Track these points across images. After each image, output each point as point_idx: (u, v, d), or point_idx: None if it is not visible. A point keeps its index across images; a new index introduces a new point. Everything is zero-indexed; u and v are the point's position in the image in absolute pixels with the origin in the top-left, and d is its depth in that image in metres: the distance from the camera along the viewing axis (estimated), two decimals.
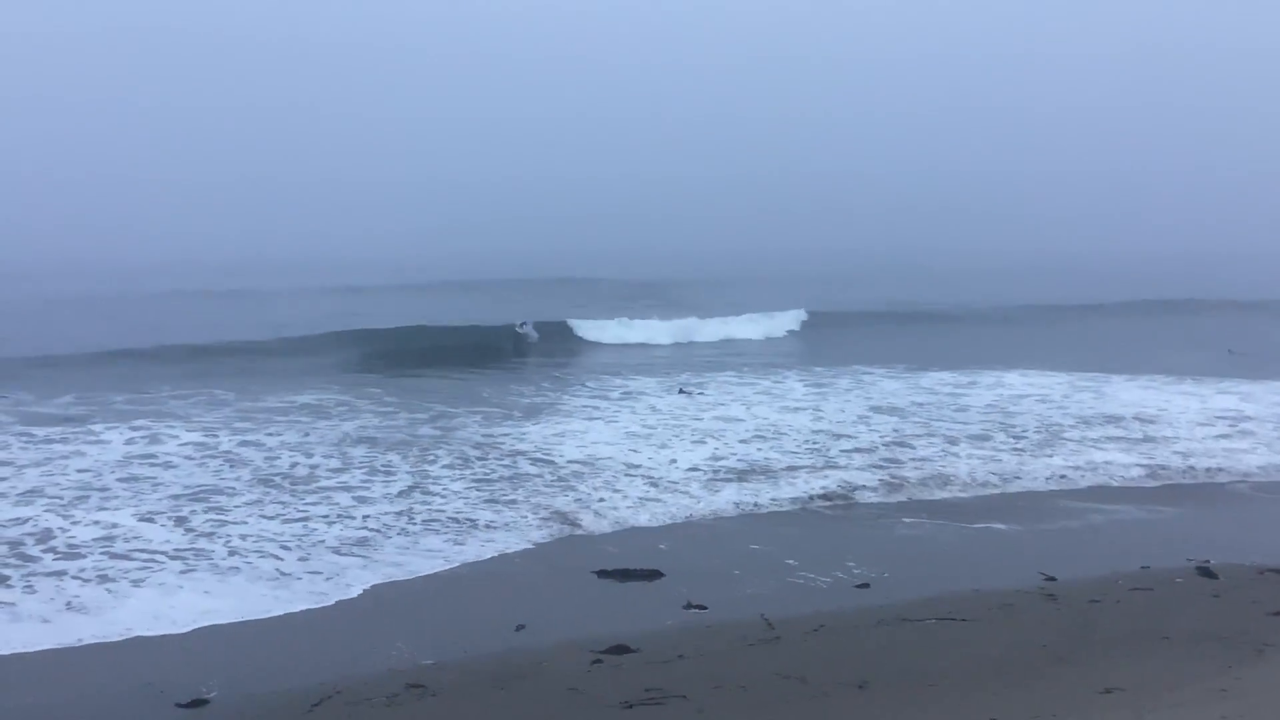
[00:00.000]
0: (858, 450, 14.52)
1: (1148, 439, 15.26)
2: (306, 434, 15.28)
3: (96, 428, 15.27)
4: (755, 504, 12.01)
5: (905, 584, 9.03)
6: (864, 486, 12.71)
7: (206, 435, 14.91)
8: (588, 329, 30.91)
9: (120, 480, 12.42)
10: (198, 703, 6.67)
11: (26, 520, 10.64)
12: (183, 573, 9.26)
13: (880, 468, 13.54)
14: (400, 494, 12.02)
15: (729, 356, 26.85)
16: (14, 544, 9.90)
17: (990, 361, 23.59)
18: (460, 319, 31.30)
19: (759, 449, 14.58)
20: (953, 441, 15.05)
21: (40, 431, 14.96)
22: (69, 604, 8.48)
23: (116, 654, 7.66)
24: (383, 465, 13.36)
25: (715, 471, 13.29)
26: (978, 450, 14.55)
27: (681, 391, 20.04)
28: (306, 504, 11.53)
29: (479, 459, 13.73)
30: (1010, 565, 9.62)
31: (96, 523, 10.62)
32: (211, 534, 10.36)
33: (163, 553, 9.76)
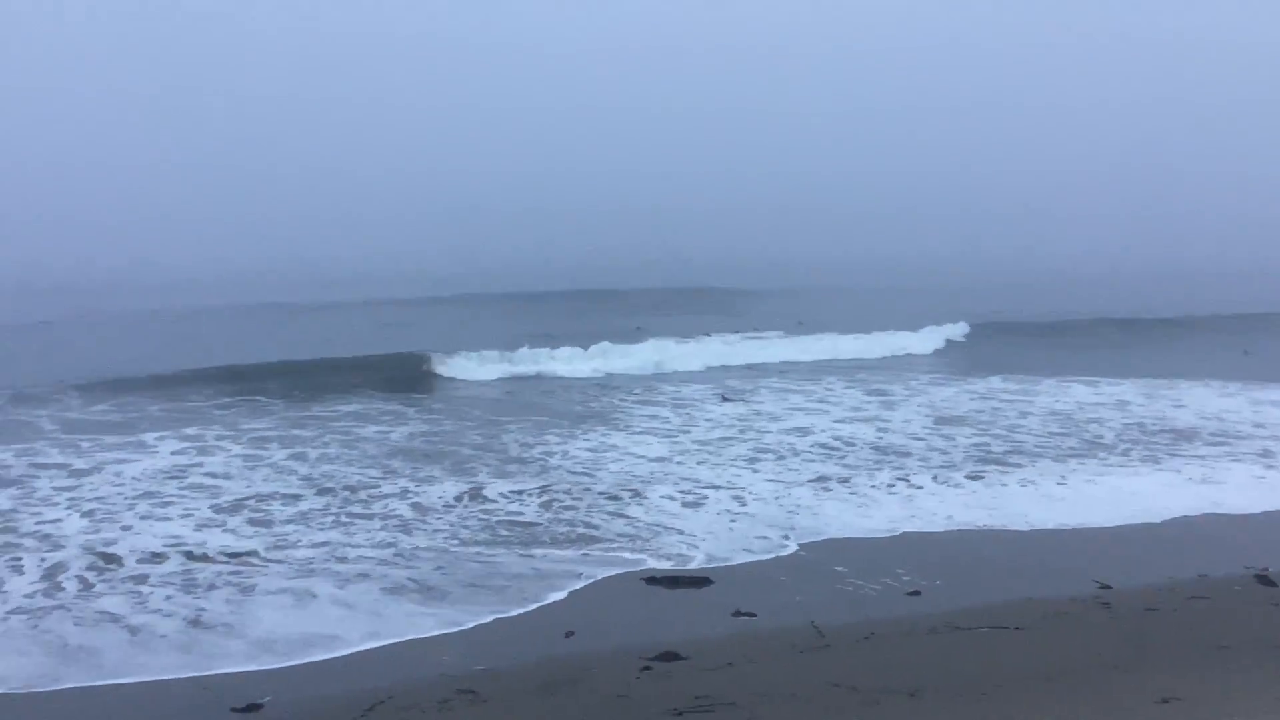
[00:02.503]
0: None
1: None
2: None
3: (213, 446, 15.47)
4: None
5: (957, 591, 8.96)
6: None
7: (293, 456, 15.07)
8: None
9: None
10: (252, 707, 6.75)
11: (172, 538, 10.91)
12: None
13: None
14: (458, 499, 12.16)
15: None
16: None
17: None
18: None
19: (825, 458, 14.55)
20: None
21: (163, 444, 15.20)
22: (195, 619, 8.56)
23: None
24: (447, 474, 13.48)
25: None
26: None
27: (724, 399, 20.14)
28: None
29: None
30: (1064, 573, 9.50)
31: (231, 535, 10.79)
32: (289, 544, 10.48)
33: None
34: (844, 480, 13.25)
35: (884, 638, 7.61)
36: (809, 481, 13.22)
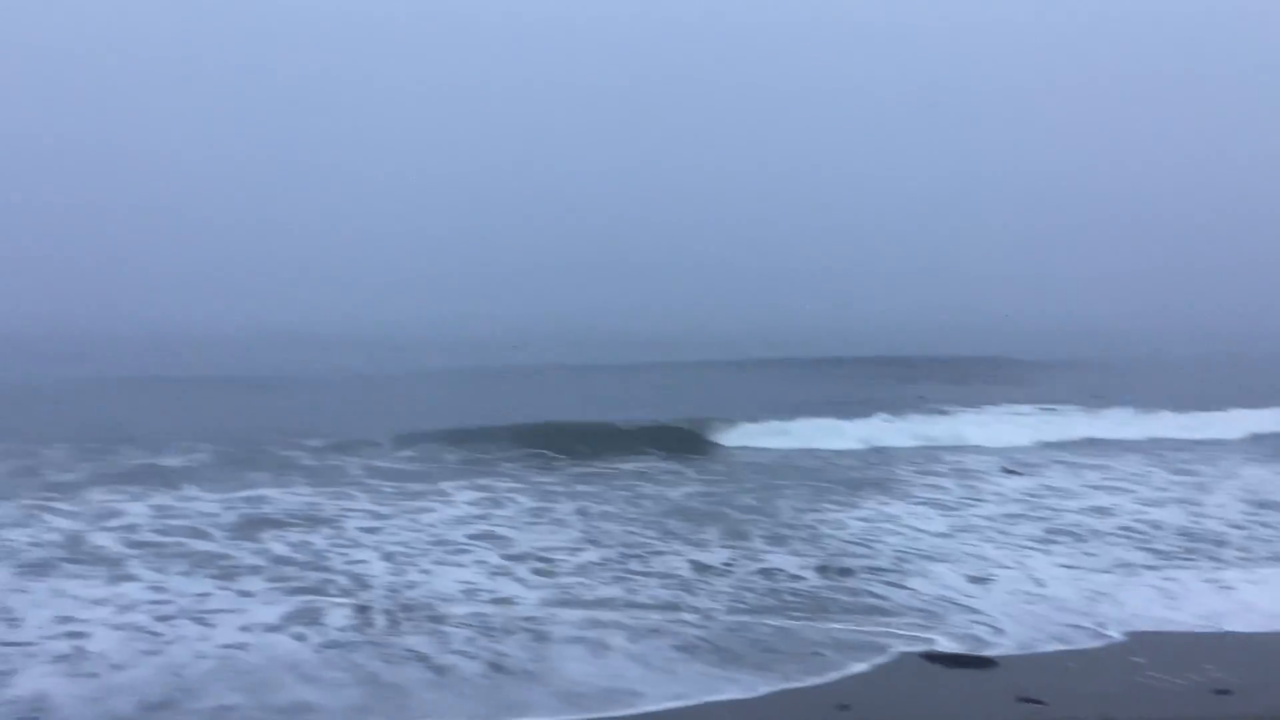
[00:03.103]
0: None
1: None
2: None
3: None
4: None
5: (1274, 691, 8.13)
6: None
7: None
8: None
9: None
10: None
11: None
12: None
13: None
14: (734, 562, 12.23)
15: None
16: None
17: None
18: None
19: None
20: None
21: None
22: None
23: None
24: (724, 536, 13.58)
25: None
26: None
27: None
28: None
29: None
30: None
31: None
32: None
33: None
34: (1149, 567, 12.36)
35: None
36: (1110, 566, 12.40)
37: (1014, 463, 20.88)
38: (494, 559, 12.37)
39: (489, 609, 10.35)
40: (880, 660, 9.04)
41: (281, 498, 16.17)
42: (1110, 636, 9.75)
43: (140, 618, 10.01)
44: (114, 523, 14.00)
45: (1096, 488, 18.13)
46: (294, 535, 13.50)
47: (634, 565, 12.17)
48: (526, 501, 16.10)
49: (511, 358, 49.29)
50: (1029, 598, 11.01)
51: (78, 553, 12.40)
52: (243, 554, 12.50)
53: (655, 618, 10.06)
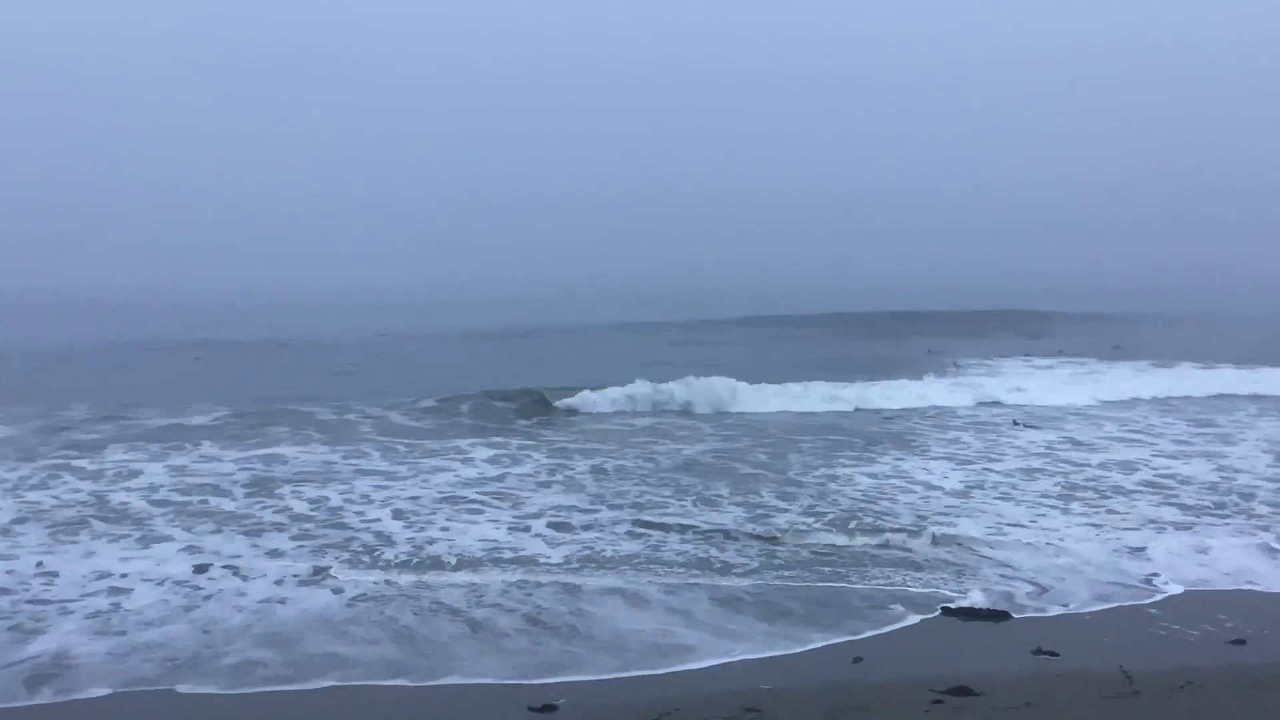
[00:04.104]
0: None
1: None
2: None
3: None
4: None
5: None
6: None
7: None
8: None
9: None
10: (548, 708, 7.05)
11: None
12: None
13: None
14: (752, 518, 12.26)
15: None
16: None
17: None
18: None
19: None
20: None
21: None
22: None
23: None
24: (736, 492, 13.64)
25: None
26: None
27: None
28: None
29: None
30: None
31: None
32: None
33: None
34: (1171, 521, 12.36)
35: (1202, 688, 7.04)
36: (1126, 521, 12.42)
37: (1025, 415, 20.91)
38: (508, 517, 12.50)
39: (515, 566, 10.45)
40: (896, 613, 9.09)
41: (298, 456, 16.35)
42: (1129, 590, 9.77)
43: (174, 572, 10.20)
44: (135, 483, 14.19)
45: (1116, 439, 18.15)
46: (312, 492, 13.66)
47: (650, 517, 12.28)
48: (542, 458, 16.30)
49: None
50: (1050, 551, 11.03)
51: (105, 511, 12.58)
52: (265, 512, 12.65)
53: (687, 575, 10.15)
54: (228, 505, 12.99)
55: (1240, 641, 8.27)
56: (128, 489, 13.81)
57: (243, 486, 14.03)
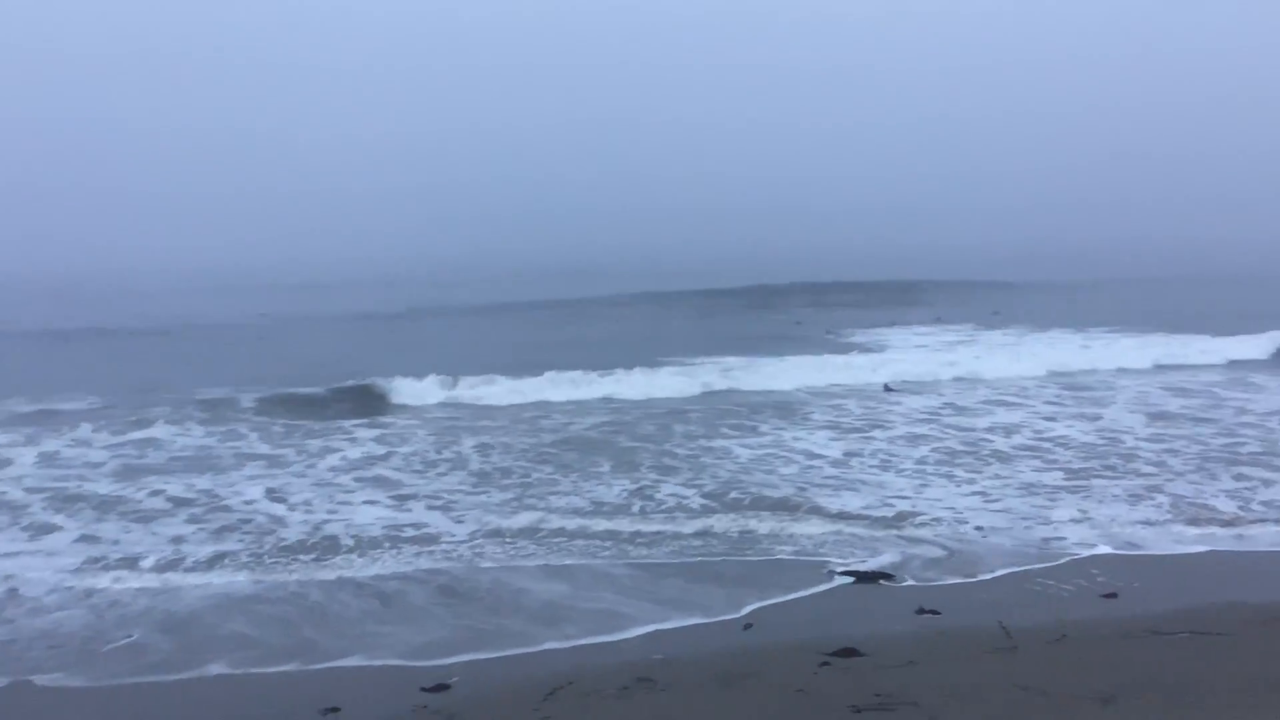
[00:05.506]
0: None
1: None
2: None
3: None
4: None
5: (1155, 594, 8.54)
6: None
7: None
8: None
9: None
10: (441, 687, 7.01)
11: None
12: None
13: None
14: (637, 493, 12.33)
15: None
16: None
17: None
18: None
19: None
20: None
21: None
22: None
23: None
24: (622, 469, 13.69)
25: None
26: None
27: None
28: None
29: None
30: (1272, 576, 8.92)
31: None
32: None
33: None
34: (1049, 484, 12.77)
35: (1076, 640, 7.30)
36: (997, 479, 12.82)
37: (896, 381, 21.38)
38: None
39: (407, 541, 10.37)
40: (785, 581, 9.26)
41: (174, 440, 15.94)
42: (1011, 552, 10.08)
43: (64, 562, 9.98)
44: (8, 471, 13.73)
45: (995, 403, 18.67)
46: (192, 478, 13.35)
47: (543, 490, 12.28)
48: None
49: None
50: (931, 515, 11.33)
51: None
52: (147, 496, 12.34)
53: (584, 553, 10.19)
54: (110, 489, 12.70)
55: (1112, 595, 8.61)
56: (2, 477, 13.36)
57: (125, 473, 13.69)
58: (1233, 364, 23.87)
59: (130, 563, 9.95)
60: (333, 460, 14.53)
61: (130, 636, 8.10)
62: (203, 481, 13.23)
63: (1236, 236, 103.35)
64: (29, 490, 12.69)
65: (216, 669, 7.55)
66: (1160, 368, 23.49)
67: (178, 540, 10.66)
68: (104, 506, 12.00)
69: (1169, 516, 11.02)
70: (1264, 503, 11.50)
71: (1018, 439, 15.45)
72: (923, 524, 10.95)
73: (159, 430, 16.47)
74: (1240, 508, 11.30)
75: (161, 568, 9.77)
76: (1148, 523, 10.83)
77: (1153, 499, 11.76)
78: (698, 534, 10.72)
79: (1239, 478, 12.59)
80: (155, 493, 12.61)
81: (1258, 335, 25.92)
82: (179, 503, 12.19)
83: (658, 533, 10.75)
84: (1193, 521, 10.81)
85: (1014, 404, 18.66)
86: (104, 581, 9.38)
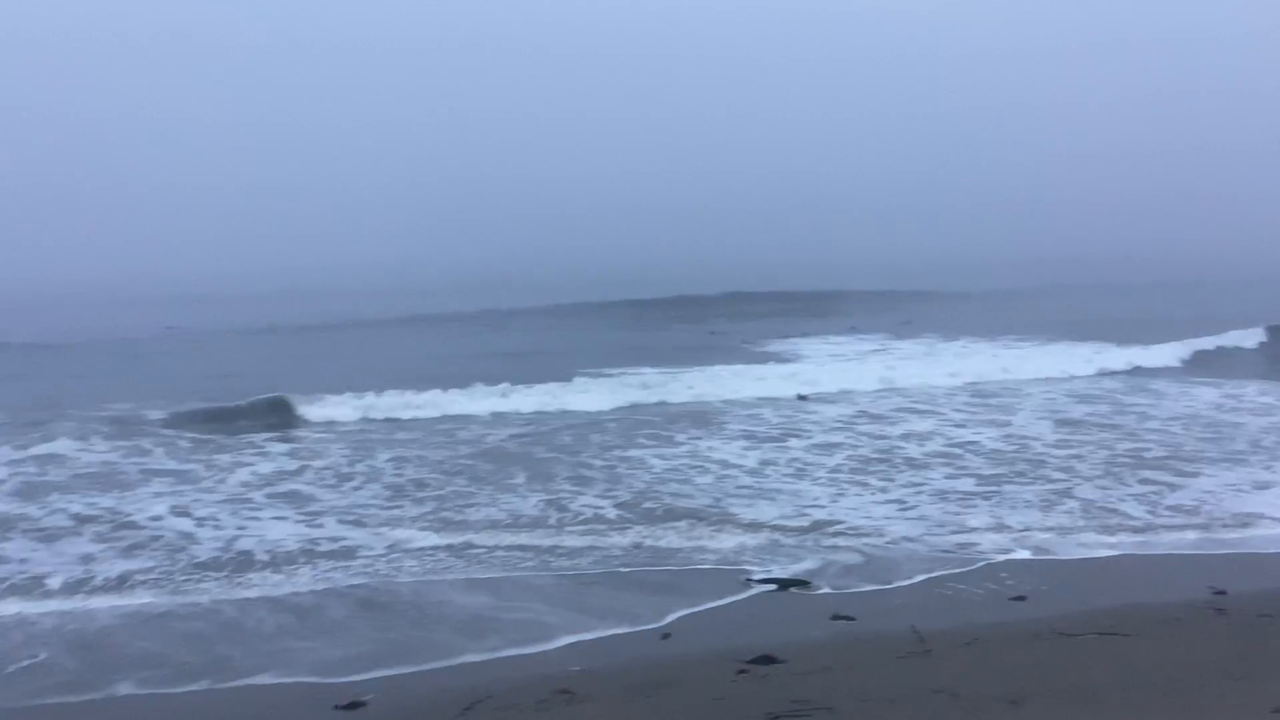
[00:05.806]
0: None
1: None
2: None
3: None
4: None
5: (1063, 597, 8.73)
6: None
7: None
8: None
9: None
10: (355, 705, 6.91)
11: None
12: None
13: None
14: (553, 504, 12.29)
15: None
16: None
17: None
18: None
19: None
20: None
21: None
22: None
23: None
24: (537, 480, 13.63)
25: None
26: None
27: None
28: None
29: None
30: (1176, 578, 9.20)
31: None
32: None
33: None
34: (962, 490, 13.01)
35: (987, 643, 7.46)
36: (910, 486, 13.04)
37: (811, 390, 21.63)
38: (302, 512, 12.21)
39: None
40: (699, 587, 9.31)
41: (78, 456, 15.54)
42: (925, 559, 10.25)
43: None
44: None
45: (907, 411, 18.98)
46: (96, 496, 13.02)
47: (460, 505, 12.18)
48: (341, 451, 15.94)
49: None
50: (833, 520, 11.48)
51: None
52: (50, 515, 12.02)
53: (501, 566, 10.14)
54: (11, 508, 12.34)
55: (1021, 598, 8.80)
56: None
57: (34, 489, 13.34)
58: (1136, 370, 24.68)
59: (36, 582, 9.66)
60: (243, 475, 14.27)
61: (36, 657, 7.88)
62: (108, 499, 12.90)
63: (1182, 240, 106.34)
64: None
65: (125, 689, 7.36)
66: (1067, 376, 24.06)
67: (86, 559, 10.38)
68: (5, 525, 11.66)
69: (1080, 522, 11.29)
70: (1170, 507, 11.85)
71: (930, 446, 15.72)
72: (838, 532, 11.11)
73: (61, 446, 15.97)
74: (1149, 511, 11.64)
75: (70, 588, 9.50)
76: (1057, 528, 11.09)
77: (1063, 504, 12.05)
78: (616, 545, 10.73)
79: (1144, 481, 12.97)
80: (58, 510, 12.27)
81: (1163, 344, 26.84)
82: (84, 520, 11.87)
83: (574, 546, 10.74)
84: (1102, 526, 11.11)
85: (925, 411, 19.00)
86: (9, 602, 9.10)
